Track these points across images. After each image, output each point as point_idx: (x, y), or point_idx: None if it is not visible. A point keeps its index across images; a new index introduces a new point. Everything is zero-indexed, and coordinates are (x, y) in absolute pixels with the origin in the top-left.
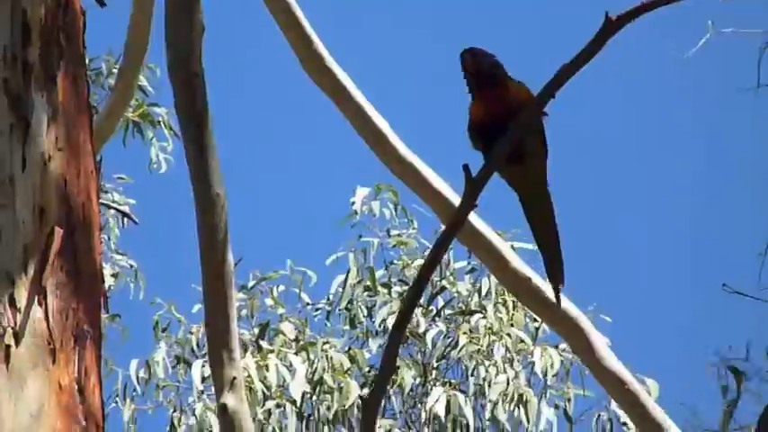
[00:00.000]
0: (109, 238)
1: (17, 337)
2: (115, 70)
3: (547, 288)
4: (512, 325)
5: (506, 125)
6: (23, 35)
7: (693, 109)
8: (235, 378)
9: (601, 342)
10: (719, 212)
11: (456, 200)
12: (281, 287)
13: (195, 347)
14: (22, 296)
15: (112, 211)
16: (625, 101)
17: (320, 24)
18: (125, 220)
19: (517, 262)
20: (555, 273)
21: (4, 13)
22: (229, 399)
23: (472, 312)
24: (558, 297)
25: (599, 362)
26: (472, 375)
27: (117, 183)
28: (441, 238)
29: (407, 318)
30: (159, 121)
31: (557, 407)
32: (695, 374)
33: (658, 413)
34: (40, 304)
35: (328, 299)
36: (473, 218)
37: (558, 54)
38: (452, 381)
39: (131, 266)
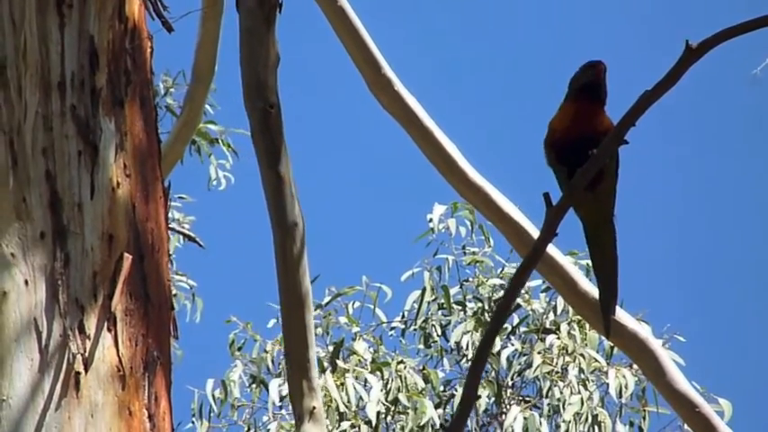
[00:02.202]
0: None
1: (87, 364)
2: (173, 90)
3: (616, 310)
4: (585, 345)
5: (587, 147)
6: (91, 61)
7: (762, 124)
8: (314, 408)
9: (671, 364)
10: None
11: (525, 223)
12: (357, 303)
13: (270, 365)
14: (91, 323)
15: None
16: (691, 118)
17: (388, 47)
18: (183, 239)
19: (586, 284)
20: (608, 302)
21: (72, 39)
22: (310, 428)
23: (547, 331)
24: (608, 327)
25: (669, 384)
26: (546, 397)
27: (178, 201)
28: (522, 266)
29: (487, 352)
30: (217, 140)
31: (632, 424)
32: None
33: None
34: (109, 331)
35: (403, 316)
36: None
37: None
38: (528, 398)
39: (190, 287)
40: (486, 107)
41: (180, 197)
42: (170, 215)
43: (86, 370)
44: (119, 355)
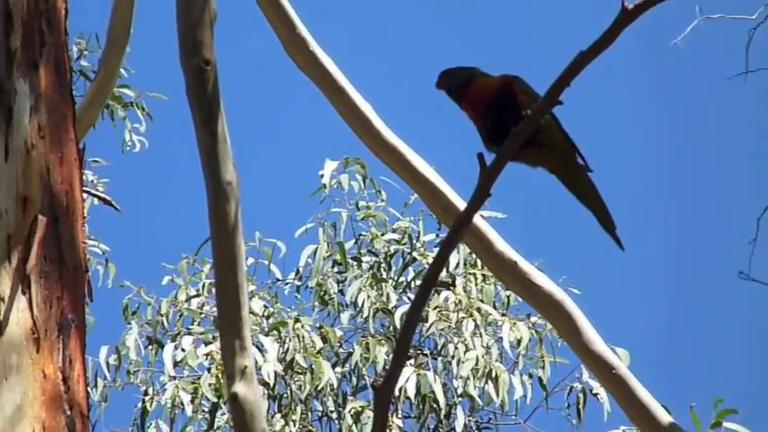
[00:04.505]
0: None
1: (1, 327)
2: (87, 53)
3: (532, 271)
4: (481, 300)
5: (504, 109)
6: (5, 22)
7: (682, 96)
8: (246, 367)
9: (587, 325)
10: (702, 195)
11: (441, 184)
12: (251, 260)
13: (166, 324)
14: (5, 286)
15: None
16: (613, 87)
17: (304, 8)
18: (94, 201)
19: (502, 244)
20: (606, 222)
21: None
22: (240, 387)
23: (443, 285)
24: (617, 240)
25: (585, 345)
26: (441, 354)
27: (91, 165)
28: (453, 229)
29: (416, 318)
30: (132, 103)
31: (531, 375)
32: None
33: (645, 396)
34: (23, 293)
35: (297, 272)
36: (457, 199)
37: (570, 46)
38: (425, 352)
39: (103, 252)
40: (406, 69)
41: (94, 161)
42: (84, 178)
43: (1, 333)
44: (33, 318)
